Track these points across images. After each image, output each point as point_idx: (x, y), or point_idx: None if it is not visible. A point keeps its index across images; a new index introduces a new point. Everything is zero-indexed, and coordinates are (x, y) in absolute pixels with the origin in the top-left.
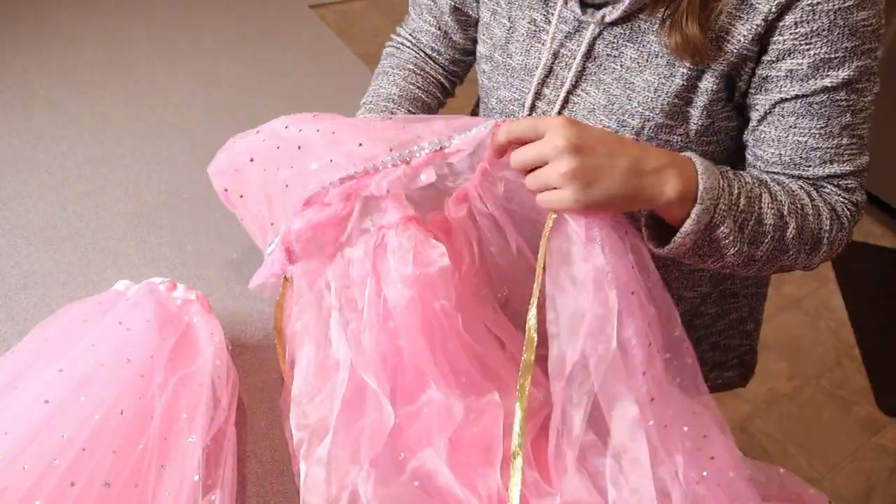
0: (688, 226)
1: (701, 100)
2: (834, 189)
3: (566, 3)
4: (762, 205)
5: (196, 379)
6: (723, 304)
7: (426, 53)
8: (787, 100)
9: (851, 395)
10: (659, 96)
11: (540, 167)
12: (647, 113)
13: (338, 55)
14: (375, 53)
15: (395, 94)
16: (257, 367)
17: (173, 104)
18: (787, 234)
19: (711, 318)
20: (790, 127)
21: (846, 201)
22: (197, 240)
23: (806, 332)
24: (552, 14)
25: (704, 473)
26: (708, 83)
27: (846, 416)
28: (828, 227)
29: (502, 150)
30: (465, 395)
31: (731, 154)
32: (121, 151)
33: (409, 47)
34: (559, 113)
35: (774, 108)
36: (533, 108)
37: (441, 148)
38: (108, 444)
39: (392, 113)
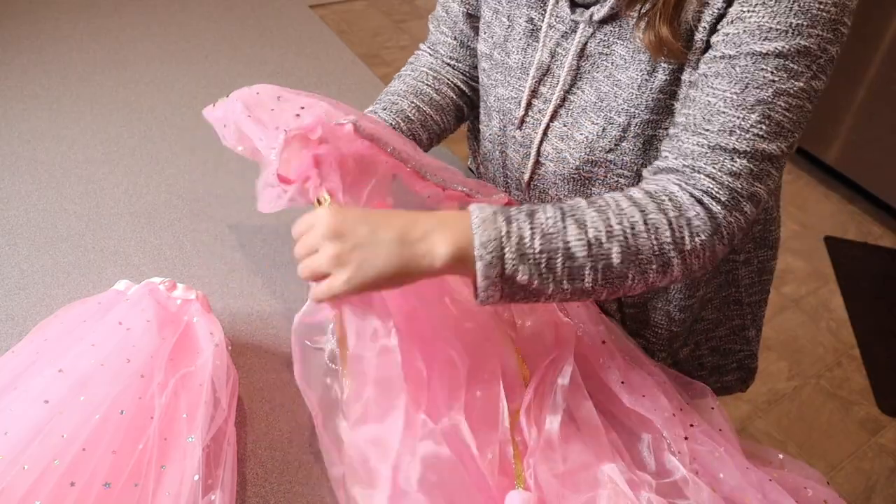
0: (480, 282)
1: (683, 92)
2: (714, 167)
3: (557, 3)
4: (567, 238)
5: (196, 379)
6: (725, 310)
7: (444, 62)
8: (713, 59)
9: (851, 395)
10: (643, 92)
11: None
12: (632, 110)
13: (338, 55)
14: (375, 53)
15: (401, 89)
16: (257, 367)
17: (173, 104)
18: (614, 260)
19: (712, 322)
20: (706, 86)
21: (719, 190)
22: (197, 240)
23: (806, 332)
24: (547, 13)
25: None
26: (688, 75)
27: (846, 416)
28: (670, 239)
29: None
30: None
31: None
32: (121, 151)
33: (427, 55)
34: (555, 111)
35: (701, 67)
36: (529, 105)
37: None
38: (108, 444)
39: (394, 104)
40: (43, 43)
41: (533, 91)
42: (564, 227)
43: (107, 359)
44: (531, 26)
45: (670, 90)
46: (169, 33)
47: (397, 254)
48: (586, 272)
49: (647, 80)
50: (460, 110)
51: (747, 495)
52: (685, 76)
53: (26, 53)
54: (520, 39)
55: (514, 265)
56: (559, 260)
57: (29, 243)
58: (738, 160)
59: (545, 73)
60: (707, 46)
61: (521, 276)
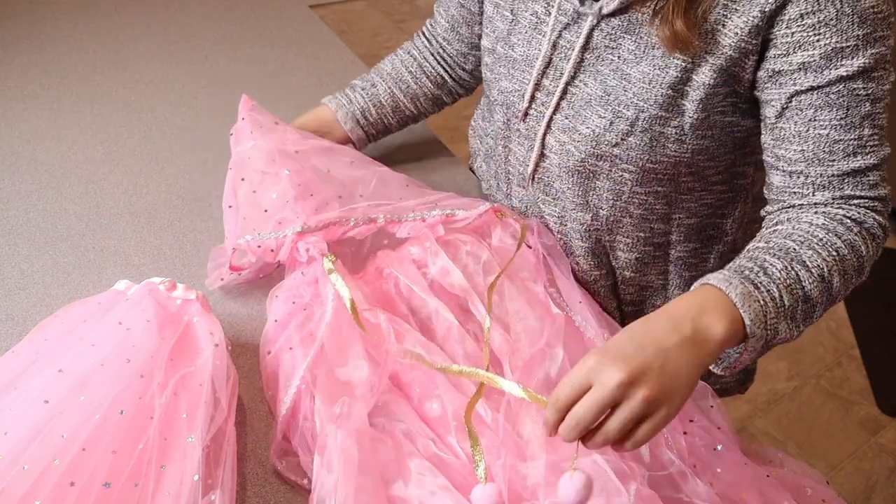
0: (746, 357)
1: (696, 93)
2: (860, 192)
3: None
4: (804, 285)
5: (196, 379)
6: None
7: (438, 42)
8: (802, 92)
9: (851, 395)
10: (653, 87)
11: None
12: (641, 104)
13: (338, 55)
14: (375, 53)
15: (385, 71)
16: (257, 367)
17: (173, 104)
18: (834, 288)
19: None
20: (810, 121)
21: (873, 205)
22: (197, 240)
23: (806, 332)
24: (552, 6)
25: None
26: (704, 77)
27: (846, 416)
28: (864, 253)
29: (556, 426)
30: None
31: (728, 150)
32: (121, 151)
33: (423, 37)
34: (557, 104)
35: (791, 101)
36: (533, 98)
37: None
38: (108, 444)
39: (373, 87)
40: (43, 43)
41: (536, 84)
42: (797, 276)
43: (107, 359)
44: (535, 19)
45: (681, 88)
46: (169, 33)
47: (690, 354)
48: (818, 308)
49: (658, 75)
50: (438, 99)
51: (745, 492)
52: (701, 77)
53: (26, 53)
54: (524, 32)
55: (774, 328)
56: (800, 307)
57: (29, 243)
58: (870, 174)
59: (548, 65)
60: (741, 56)
61: (779, 337)
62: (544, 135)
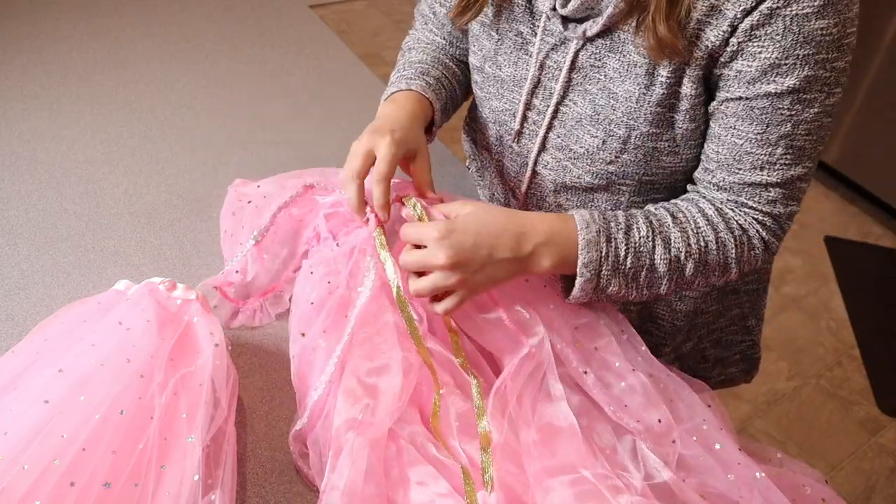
0: (575, 292)
1: (683, 105)
2: (754, 204)
3: (549, 19)
4: (654, 257)
5: (196, 379)
6: (724, 300)
7: (451, 44)
8: (731, 99)
9: (851, 395)
10: (641, 106)
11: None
12: (630, 122)
13: (338, 55)
14: (375, 53)
15: (426, 60)
16: (257, 367)
17: (173, 104)
18: (687, 272)
19: (713, 315)
20: (730, 127)
21: (762, 219)
22: (197, 240)
23: (806, 332)
24: (538, 27)
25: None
26: (687, 88)
27: (846, 416)
28: (734, 255)
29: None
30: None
31: None
32: (121, 151)
33: (436, 34)
34: (550, 123)
35: (721, 105)
36: (524, 118)
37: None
38: (108, 444)
39: (426, 75)
40: (43, 43)
41: (527, 104)
42: (653, 247)
43: (107, 359)
44: (521, 40)
45: (669, 103)
46: (169, 33)
47: (511, 269)
48: (664, 283)
49: (644, 93)
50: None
51: (742, 491)
52: (685, 89)
53: (26, 53)
54: (510, 53)
55: (607, 280)
56: (643, 273)
57: (29, 243)
58: (771, 190)
59: (537, 85)
60: (713, 64)
61: (612, 288)
62: (538, 154)
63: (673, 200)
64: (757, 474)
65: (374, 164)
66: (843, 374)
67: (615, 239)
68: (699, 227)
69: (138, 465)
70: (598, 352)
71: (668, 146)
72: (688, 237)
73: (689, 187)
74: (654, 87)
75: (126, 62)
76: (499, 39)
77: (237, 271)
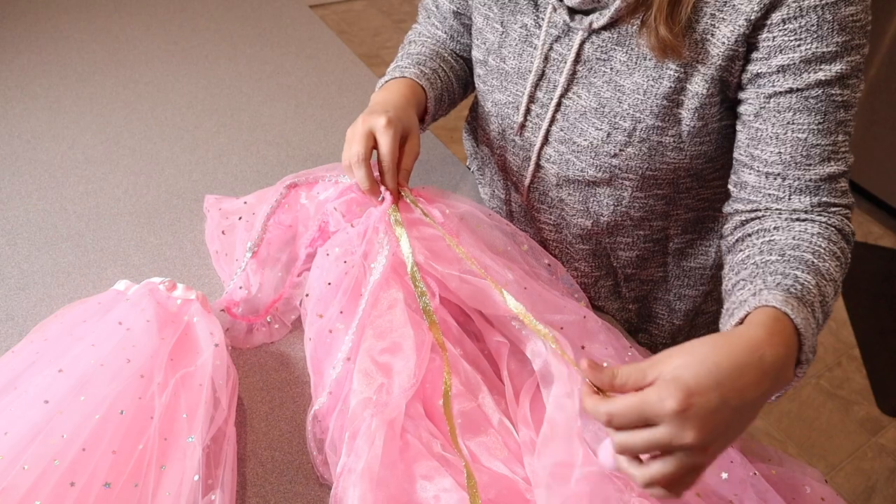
0: (796, 377)
1: (691, 102)
2: (835, 200)
3: (555, 10)
4: (830, 303)
5: (196, 379)
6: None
7: (452, 39)
8: (781, 93)
9: (851, 395)
10: (648, 98)
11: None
12: (637, 115)
13: (338, 55)
14: (375, 53)
15: (424, 52)
16: (257, 367)
17: (173, 104)
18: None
19: (713, 315)
20: (788, 123)
21: (846, 213)
22: (197, 240)
23: None
24: (542, 19)
25: None
26: (697, 86)
27: (846, 416)
28: (847, 260)
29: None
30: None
31: (726, 151)
32: (121, 151)
33: (439, 29)
34: (553, 116)
35: (769, 102)
36: (528, 111)
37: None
38: (108, 444)
39: (422, 65)
40: (43, 43)
41: (531, 96)
42: (834, 292)
43: (107, 359)
44: (525, 32)
45: (676, 98)
46: (169, 33)
47: (762, 404)
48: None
49: (652, 85)
50: (467, 80)
51: (739, 490)
52: (694, 87)
53: (26, 53)
54: (515, 45)
55: (813, 348)
56: (823, 320)
57: (29, 243)
58: (841, 180)
59: (541, 77)
60: (729, 62)
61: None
62: (541, 147)
63: (768, 239)
64: (751, 473)
65: (374, 145)
66: (843, 374)
67: (816, 313)
68: (828, 251)
69: (138, 465)
70: (584, 350)
71: (674, 142)
72: (831, 264)
73: (739, 209)
74: (661, 80)
75: (126, 62)
76: (503, 32)
77: (241, 287)
